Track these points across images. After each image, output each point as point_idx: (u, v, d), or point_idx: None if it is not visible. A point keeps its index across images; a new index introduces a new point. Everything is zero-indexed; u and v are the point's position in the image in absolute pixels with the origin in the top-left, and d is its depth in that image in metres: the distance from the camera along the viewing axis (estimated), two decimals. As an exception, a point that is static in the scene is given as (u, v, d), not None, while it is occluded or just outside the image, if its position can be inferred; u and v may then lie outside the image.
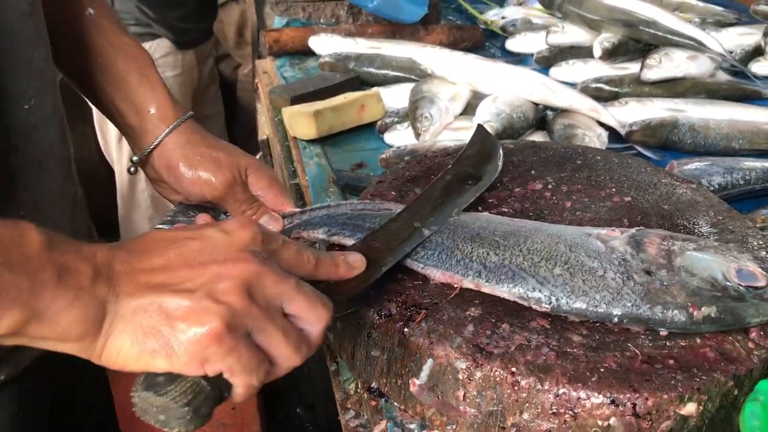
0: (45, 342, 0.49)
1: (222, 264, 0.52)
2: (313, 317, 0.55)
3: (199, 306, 0.50)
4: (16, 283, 0.46)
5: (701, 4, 1.90)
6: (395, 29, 1.68)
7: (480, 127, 0.96)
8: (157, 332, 0.50)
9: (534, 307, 0.66)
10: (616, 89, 1.45)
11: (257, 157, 2.58)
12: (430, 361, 0.63)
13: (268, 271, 0.53)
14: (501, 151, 0.89)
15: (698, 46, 1.51)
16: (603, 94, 1.44)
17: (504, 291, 0.67)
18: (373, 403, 0.69)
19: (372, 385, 0.69)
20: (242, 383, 0.52)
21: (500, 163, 0.88)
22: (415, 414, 0.66)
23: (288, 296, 0.54)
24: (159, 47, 2.15)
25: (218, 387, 0.52)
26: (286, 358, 0.54)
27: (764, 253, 0.73)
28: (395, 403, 0.67)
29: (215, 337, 0.50)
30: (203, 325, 0.50)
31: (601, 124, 1.27)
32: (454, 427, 0.63)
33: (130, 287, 0.51)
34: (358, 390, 0.72)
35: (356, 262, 0.64)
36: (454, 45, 1.66)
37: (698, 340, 0.61)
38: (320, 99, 1.32)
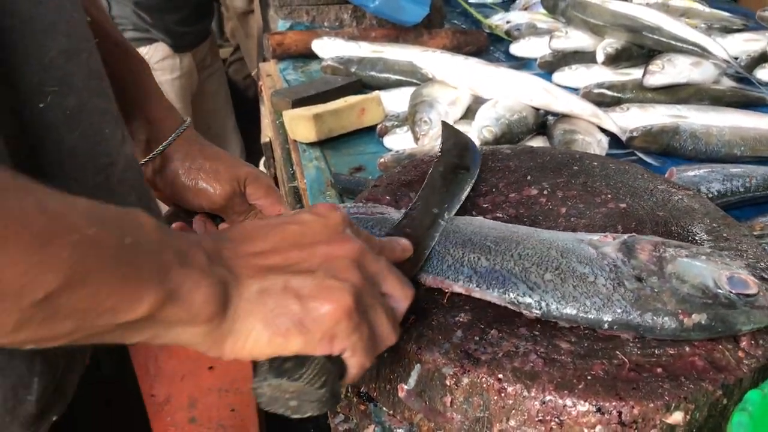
0: (175, 328, 0.47)
1: (329, 244, 0.54)
2: (402, 295, 0.57)
3: (325, 284, 0.51)
4: (149, 263, 0.45)
5: (708, 9, 1.89)
6: (399, 33, 1.68)
7: (444, 123, 1.00)
8: (289, 311, 0.50)
9: (524, 312, 0.65)
10: (619, 95, 1.44)
11: (261, 159, 2.60)
12: (418, 367, 0.63)
13: (367, 250, 0.55)
14: (474, 143, 0.94)
15: (702, 52, 1.50)
16: (605, 100, 1.44)
17: (494, 296, 0.67)
18: (362, 407, 0.69)
19: (361, 390, 0.69)
20: (358, 363, 0.53)
21: (478, 153, 0.91)
22: (403, 419, 0.65)
23: (383, 274, 0.56)
24: (156, 51, 2.16)
25: (341, 367, 0.53)
26: (386, 336, 0.55)
27: (760, 262, 0.73)
28: (384, 408, 0.67)
29: (346, 313, 0.51)
30: (334, 302, 0.50)
31: (603, 130, 1.26)
32: (441, 433, 0.62)
33: (248, 270, 0.51)
34: (348, 394, 0.71)
35: (407, 246, 0.66)
36: (458, 49, 1.66)
37: (687, 349, 0.61)
38: (321, 102, 1.32)
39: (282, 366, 0.50)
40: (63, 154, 0.66)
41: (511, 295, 0.66)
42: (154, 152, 0.81)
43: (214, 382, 1.53)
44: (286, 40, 1.64)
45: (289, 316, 0.50)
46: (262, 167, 2.66)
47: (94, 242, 0.42)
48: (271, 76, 1.63)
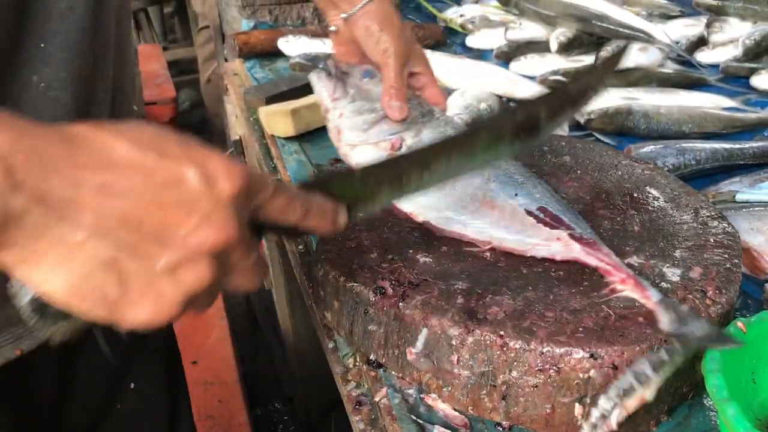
0: None
1: (197, 226, 0.44)
2: (241, 290, 0.52)
3: (157, 284, 0.45)
4: None
5: (647, -3, 2.00)
6: (360, 29, 1.74)
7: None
8: (105, 290, 0.44)
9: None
10: (573, 81, 1.53)
11: (228, 152, 2.62)
12: (425, 331, 0.70)
13: (240, 243, 0.47)
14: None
15: (647, 38, 1.60)
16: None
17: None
18: (372, 373, 0.75)
19: (371, 358, 0.75)
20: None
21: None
22: (413, 380, 0.72)
23: (240, 270, 0.50)
24: None
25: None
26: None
27: (717, 221, 0.81)
28: (393, 372, 0.73)
29: (158, 321, 0.46)
30: (153, 312, 0.45)
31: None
32: (450, 389, 0.69)
33: (86, 213, 0.42)
34: (357, 363, 0.78)
35: (342, 222, 0.59)
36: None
37: (663, 300, 0.69)
38: (293, 98, 1.36)
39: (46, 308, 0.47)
40: None
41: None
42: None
43: (200, 376, 1.56)
44: (251, 39, 1.68)
45: (100, 293, 0.44)
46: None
47: None
48: (239, 74, 1.67)
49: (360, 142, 0.86)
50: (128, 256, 0.44)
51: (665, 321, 0.65)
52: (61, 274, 0.43)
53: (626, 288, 0.70)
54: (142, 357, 0.93)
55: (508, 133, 0.67)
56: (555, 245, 0.76)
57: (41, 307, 0.46)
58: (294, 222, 0.54)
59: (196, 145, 0.46)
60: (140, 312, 0.45)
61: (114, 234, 0.43)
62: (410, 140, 0.87)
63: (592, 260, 0.74)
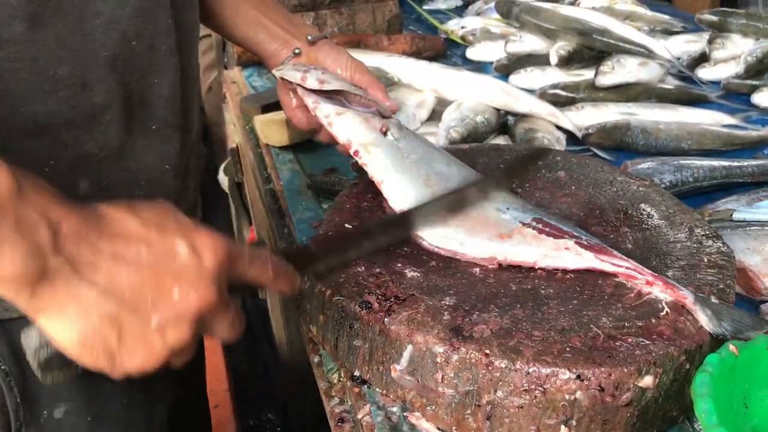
0: None
1: (185, 293, 0.54)
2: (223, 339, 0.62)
3: (149, 339, 0.54)
4: None
5: (650, 13, 1.99)
6: (359, 39, 1.73)
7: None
8: (106, 341, 0.52)
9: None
10: (572, 94, 1.52)
11: (223, 164, 2.60)
12: (409, 348, 0.68)
13: (221, 308, 0.57)
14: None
15: (648, 53, 1.59)
16: (560, 100, 1.51)
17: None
18: (356, 389, 0.73)
19: (355, 373, 0.74)
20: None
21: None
22: (397, 398, 0.70)
23: (220, 325, 0.59)
24: None
25: None
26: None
27: (712, 241, 0.80)
28: (377, 389, 0.72)
29: (147, 369, 0.55)
30: (143, 363, 0.54)
31: (560, 128, 1.34)
32: (434, 407, 0.67)
33: (96, 272, 0.52)
34: (342, 379, 0.76)
35: (294, 290, 0.68)
36: (417, 54, 1.72)
37: (653, 320, 0.67)
38: (290, 107, 1.36)
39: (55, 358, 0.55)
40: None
41: None
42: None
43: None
44: (250, 48, 1.67)
45: (103, 343, 0.52)
46: (222, 174, 2.67)
47: None
48: (237, 82, 1.66)
49: (343, 111, 0.90)
50: (129, 313, 0.53)
51: (705, 320, 0.66)
52: (75, 325, 0.51)
53: (654, 290, 0.70)
54: None
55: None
56: (565, 255, 0.75)
57: (48, 359, 0.55)
58: (267, 284, 0.64)
59: (190, 222, 0.57)
60: (133, 361, 0.54)
61: (120, 294, 0.52)
62: (395, 130, 0.90)
63: (608, 266, 0.73)
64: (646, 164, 1.14)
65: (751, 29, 1.71)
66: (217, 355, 1.65)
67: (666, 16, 1.99)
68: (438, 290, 0.73)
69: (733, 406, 0.66)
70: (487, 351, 0.64)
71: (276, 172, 1.20)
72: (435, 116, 1.34)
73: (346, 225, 0.85)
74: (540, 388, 0.63)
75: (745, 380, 0.66)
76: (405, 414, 0.69)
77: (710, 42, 1.74)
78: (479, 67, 1.77)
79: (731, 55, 1.71)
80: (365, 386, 0.73)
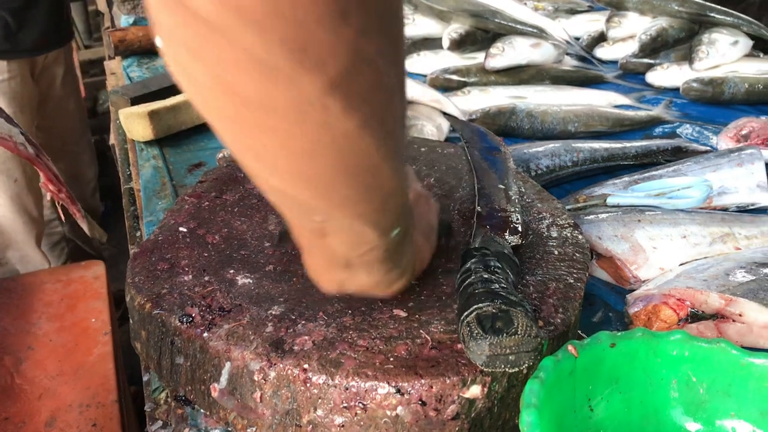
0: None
1: None
2: None
3: None
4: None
5: (553, -9, 1.96)
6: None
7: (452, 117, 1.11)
8: None
9: None
10: (464, 79, 1.47)
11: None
12: (228, 365, 0.62)
13: None
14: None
15: (542, 34, 1.55)
16: (452, 84, 1.46)
17: None
18: (180, 411, 0.66)
19: (179, 393, 0.67)
20: None
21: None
22: (219, 419, 0.64)
23: None
24: None
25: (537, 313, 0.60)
26: None
27: (568, 231, 0.76)
28: (201, 410, 0.65)
29: None
30: None
31: (445, 114, 1.28)
32: (255, 429, 0.61)
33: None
34: (168, 399, 0.69)
35: None
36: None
37: (489, 323, 0.62)
38: (162, 98, 1.27)
39: (495, 324, 0.53)
40: None
41: None
42: None
43: (75, 398, 1.45)
44: (128, 36, 1.57)
45: None
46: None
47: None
48: (116, 74, 1.56)
49: None
50: None
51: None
52: None
53: None
54: None
55: None
56: None
57: (498, 330, 0.54)
58: None
59: None
60: None
61: None
62: None
63: None
64: (524, 149, 1.10)
65: (647, 7, 1.69)
66: (108, 363, 1.56)
67: (570, -5, 1.96)
68: (268, 298, 0.67)
69: (577, 411, 0.61)
70: (306, 366, 0.58)
71: (137, 169, 1.11)
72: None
73: (181, 228, 0.78)
74: (360, 404, 0.57)
75: (588, 382, 0.61)
76: (226, 437, 0.63)
77: (608, 21, 1.72)
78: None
79: (629, 34, 1.69)
80: (189, 407, 0.66)
